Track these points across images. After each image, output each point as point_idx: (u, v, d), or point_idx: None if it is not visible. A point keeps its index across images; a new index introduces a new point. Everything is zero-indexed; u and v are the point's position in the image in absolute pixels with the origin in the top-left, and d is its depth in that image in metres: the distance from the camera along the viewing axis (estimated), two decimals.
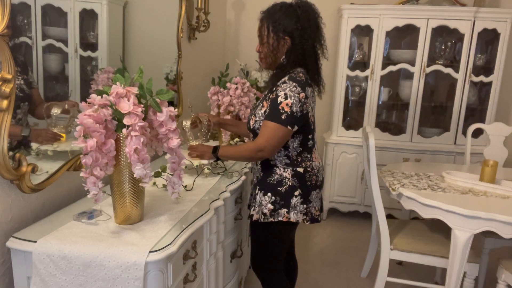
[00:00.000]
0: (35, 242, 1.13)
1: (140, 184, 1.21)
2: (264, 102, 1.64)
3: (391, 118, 3.74)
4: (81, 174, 1.10)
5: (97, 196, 1.13)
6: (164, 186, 1.63)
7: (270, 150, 1.56)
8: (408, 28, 3.34)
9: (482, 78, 3.32)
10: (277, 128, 1.53)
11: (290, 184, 1.64)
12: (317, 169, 1.69)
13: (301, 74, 1.58)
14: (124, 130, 1.13)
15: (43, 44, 1.35)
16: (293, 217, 1.63)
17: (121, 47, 1.88)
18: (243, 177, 1.93)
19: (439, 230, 2.27)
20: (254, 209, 1.69)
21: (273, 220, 1.64)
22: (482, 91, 3.49)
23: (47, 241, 1.13)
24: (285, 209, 1.63)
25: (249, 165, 2.15)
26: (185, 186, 1.69)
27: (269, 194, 1.65)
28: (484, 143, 3.27)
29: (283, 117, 1.52)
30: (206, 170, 1.87)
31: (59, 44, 1.44)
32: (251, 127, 1.67)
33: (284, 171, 1.64)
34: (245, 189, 2.09)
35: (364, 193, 3.55)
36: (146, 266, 1.09)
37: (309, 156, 1.67)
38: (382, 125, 3.64)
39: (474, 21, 3.19)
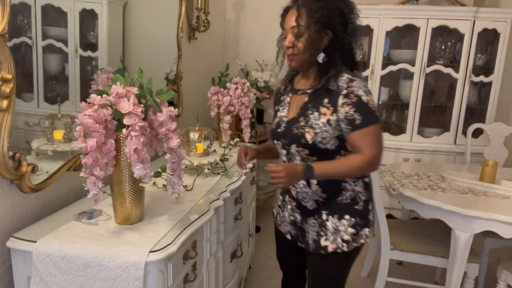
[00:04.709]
0: (35, 242, 1.13)
1: (140, 184, 1.21)
2: (322, 109, 1.32)
3: (391, 118, 3.74)
4: (81, 174, 1.10)
5: (97, 196, 1.13)
6: (164, 186, 1.63)
7: (381, 157, 1.33)
8: (408, 28, 3.33)
9: (482, 78, 3.32)
10: (378, 129, 1.31)
11: (364, 198, 1.40)
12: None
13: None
14: (124, 130, 1.13)
15: (43, 44, 1.35)
16: (370, 234, 1.41)
17: (121, 47, 1.88)
18: (243, 177, 1.93)
19: (439, 230, 2.26)
20: (327, 239, 1.39)
21: (355, 245, 1.39)
22: (482, 91, 3.48)
23: (47, 241, 1.13)
24: (367, 229, 1.40)
25: (250, 165, 1.97)
26: (185, 186, 1.69)
27: (346, 216, 1.37)
28: (484, 143, 3.26)
29: (377, 114, 1.32)
30: (206, 170, 1.87)
31: (59, 44, 1.44)
32: (310, 141, 1.32)
33: (355, 185, 1.39)
34: (245, 189, 2.09)
35: None
36: (146, 266, 1.09)
37: None
38: (382, 125, 3.63)
39: (474, 21, 3.19)
